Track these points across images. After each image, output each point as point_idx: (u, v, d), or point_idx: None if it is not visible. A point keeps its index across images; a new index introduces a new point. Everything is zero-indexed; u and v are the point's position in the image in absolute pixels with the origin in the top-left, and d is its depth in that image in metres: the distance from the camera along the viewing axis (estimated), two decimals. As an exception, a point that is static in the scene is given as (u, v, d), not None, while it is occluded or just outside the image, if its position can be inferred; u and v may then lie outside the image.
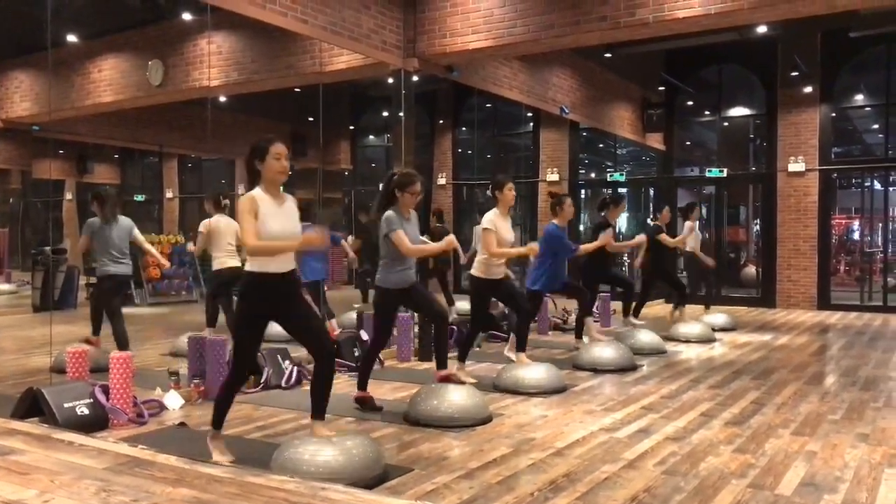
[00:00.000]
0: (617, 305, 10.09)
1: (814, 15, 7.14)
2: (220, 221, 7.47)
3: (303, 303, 3.99)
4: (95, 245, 6.48)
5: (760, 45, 12.69)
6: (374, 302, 5.27)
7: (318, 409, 3.95)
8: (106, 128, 13.36)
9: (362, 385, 5.22)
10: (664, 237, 9.03)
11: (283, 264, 3.82)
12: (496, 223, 5.97)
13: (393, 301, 5.13)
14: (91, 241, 6.49)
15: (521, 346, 6.20)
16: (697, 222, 10.21)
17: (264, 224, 3.72)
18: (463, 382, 5.30)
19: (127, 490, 2.85)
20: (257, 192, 3.81)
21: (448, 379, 5.11)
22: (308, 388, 5.67)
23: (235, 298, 4.01)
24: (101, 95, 10.66)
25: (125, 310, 6.97)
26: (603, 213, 8.49)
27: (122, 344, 6.28)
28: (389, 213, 4.96)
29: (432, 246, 5.42)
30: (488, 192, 6.27)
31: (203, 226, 7.57)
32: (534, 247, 6.27)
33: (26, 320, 10.74)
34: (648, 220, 9.46)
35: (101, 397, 4.64)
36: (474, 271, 6.10)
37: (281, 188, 3.90)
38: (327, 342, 3.98)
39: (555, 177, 15.26)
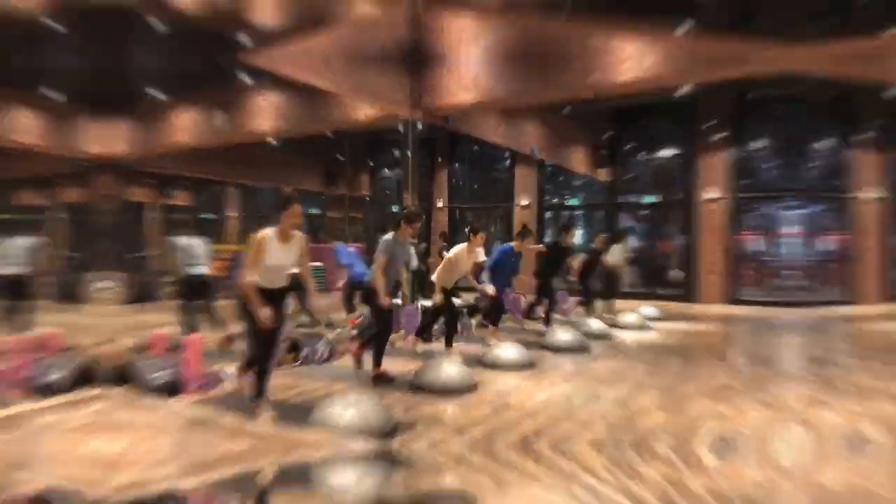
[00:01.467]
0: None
1: (722, 80, 7.20)
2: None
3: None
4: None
5: (684, 101, 12.74)
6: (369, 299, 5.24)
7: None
8: (186, 163, 13.32)
9: (377, 363, 5.20)
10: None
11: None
12: (459, 257, 6.20)
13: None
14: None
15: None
16: (622, 245, 10.22)
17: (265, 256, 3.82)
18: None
19: (196, 443, 2.85)
20: (269, 231, 3.91)
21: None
22: (337, 362, 5.66)
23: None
24: (180, 137, 10.65)
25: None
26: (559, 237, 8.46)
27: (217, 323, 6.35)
28: (386, 237, 5.07)
29: (380, 289, 5.08)
30: (466, 230, 6.45)
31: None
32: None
33: (116, 311, 10.68)
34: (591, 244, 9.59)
35: (179, 370, 4.62)
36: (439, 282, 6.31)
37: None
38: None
39: (526, 202, 15.29)
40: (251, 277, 3.84)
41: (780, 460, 3.23)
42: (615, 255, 9.78)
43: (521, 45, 7.33)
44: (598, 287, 9.82)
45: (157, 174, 14.75)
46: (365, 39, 7.34)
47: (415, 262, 8.66)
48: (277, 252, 3.91)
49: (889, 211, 12.52)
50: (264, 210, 13.76)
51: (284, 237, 3.94)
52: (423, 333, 6.69)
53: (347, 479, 2.78)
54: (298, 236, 4.01)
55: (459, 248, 6.31)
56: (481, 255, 6.94)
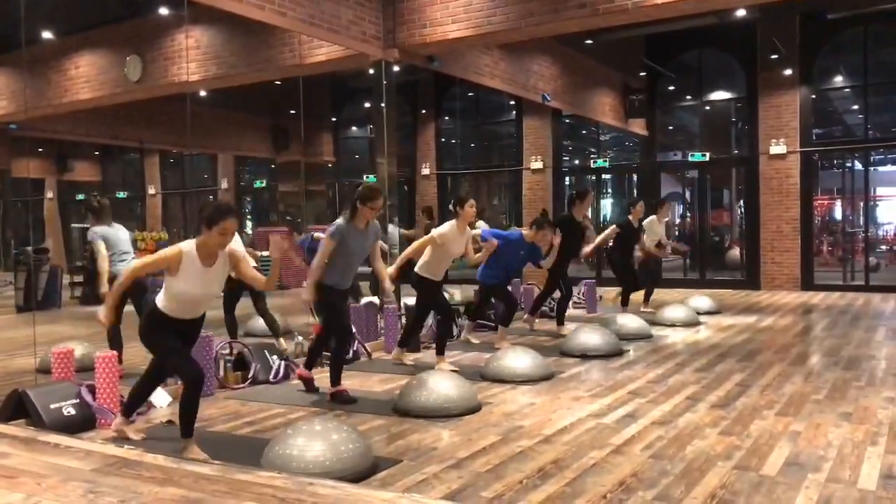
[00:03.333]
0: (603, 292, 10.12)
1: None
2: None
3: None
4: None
5: (739, 28, 12.74)
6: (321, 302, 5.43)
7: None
8: (85, 125, 13.22)
9: (334, 380, 5.32)
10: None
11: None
12: (447, 238, 6.23)
13: (332, 297, 5.32)
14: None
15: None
16: (666, 214, 10.29)
17: (178, 279, 3.91)
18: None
19: (114, 491, 2.85)
20: (190, 246, 3.94)
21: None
22: (295, 382, 5.70)
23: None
24: (78, 92, 10.54)
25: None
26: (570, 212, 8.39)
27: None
28: (337, 221, 5.23)
29: (312, 281, 5.27)
30: (450, 206, 6.48)
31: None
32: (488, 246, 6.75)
33: (9, 321, 10.64)
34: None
35: (88, 397, 4.62)
36: (420, 270, 6.33)
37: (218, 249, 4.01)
38: None
39: (538, 164, 15.28)
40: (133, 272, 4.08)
41: (860, 485, 3.27)
42: (654, 231, 9.81)
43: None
44: (638, 273, 9.87)
45: (52, 140, 14.63)
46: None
47: (394, 249, 8.65)
48: (197, 278, 3.95)
49: None
50: (192, 185, 13.66)
51: (206, 259, 3.96)
52: (408, 342, 6.71)
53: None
54: (224, 254, 4.06)
55: (447, 226, 6.33)
56: (480, 227, 6.99)
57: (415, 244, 6.50)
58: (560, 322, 8.33)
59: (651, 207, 10.12)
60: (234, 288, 6.70)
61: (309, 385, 5.52)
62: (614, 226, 9.24)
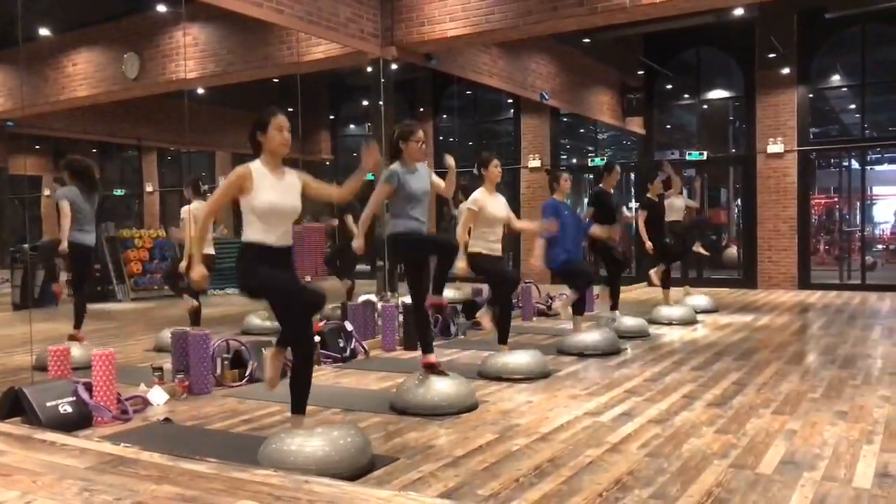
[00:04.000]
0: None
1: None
2: (199, 207, 7.39)
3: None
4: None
5: (737, 27, 12.73)
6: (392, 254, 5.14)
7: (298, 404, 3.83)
8: (82, 122, 13.20)
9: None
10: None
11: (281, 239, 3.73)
12: (482, 202, 5.86)
13: (406, 248, 4.97)
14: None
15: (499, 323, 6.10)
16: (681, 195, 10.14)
17: (258, 193, 3.60)
18: (445, 374, 4.97)
19: (110, 489, 2.84)
20: (256, 164, 3.70)
21: (432, 368, 4.97)
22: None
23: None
24: (75, 90, 10.52)
25: (109, 305, 6.91)
26: (600, 185, 8.09)
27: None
28: (392, 166, 4.92)
29: (361, 232, 5.09)
30: (474, 171, 6.20)
31: (184, 211, 7.51)
32: (546, 224, 6.37)
33: (6, 318, 10.62)
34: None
35: (84, 395, 4.61)
36: (472, 248, 5.89)
37: (281, 161, 3.81)
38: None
39: (536, 163, 15.28)
40: (205, 217, 3.89)
41: (855, 482, 3.27)
42: (688, 203, 9.79)
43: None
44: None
45: (49, 138, 14.60)
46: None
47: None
48: (276, 188, 3.68)
49: None
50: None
51: (275, 168, 3.75)
52: (503, 321, 6.14)
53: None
54: (290, 170, 3.85)
55: (477, 192, 5.96)
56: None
57: (460, 227, 6.04)
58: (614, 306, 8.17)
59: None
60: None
61: (433, 369, 4.96)
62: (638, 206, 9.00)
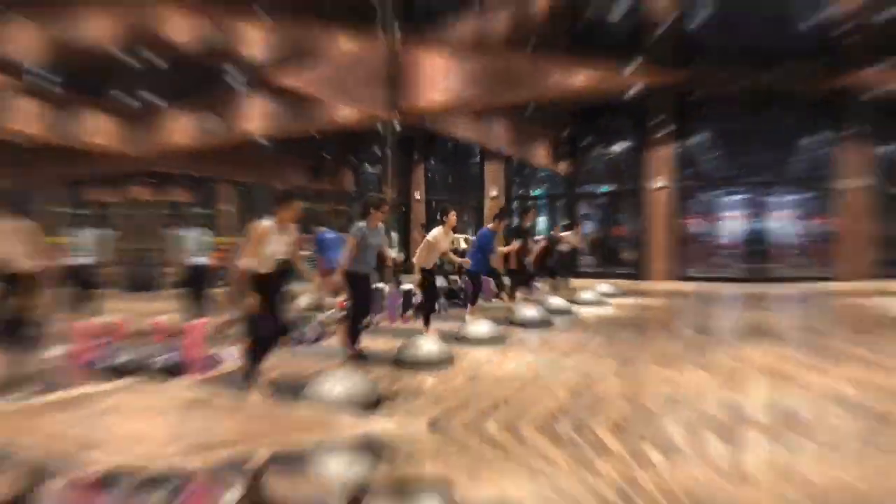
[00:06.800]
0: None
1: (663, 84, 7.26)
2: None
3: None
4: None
5: (635, 102, 12.81)
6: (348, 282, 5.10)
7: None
8: (178, 162, 13.00)
9: (353, 342, 5.07)
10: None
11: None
12: (437, 238, 6.12)
13: (356, 280, 5.00)
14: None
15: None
16: (580, 231, 10.36)
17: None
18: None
19: (194, 421, 2.82)
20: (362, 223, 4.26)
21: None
22: (326, 343, 5.63)
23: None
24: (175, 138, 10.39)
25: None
26: (518, 222, 8.32)
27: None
28: (359, 223, 4.94)
29: (341, 269, 4.98)
30: (438, 215, 6.36)
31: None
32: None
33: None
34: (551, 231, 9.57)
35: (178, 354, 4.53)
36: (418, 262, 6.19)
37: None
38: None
39: (494, 192, 15.32)
40: (249, 264, 3.90)
41: (711, 412, 3.32)
42: (571, 239, 9.92)
43: (488, 75, 7.31)
44: (557, 268, 9.90)
45: (161, 174, 14.27)
46: (346, 75, 7.27)
47: (394, 250, 8.56)
48: (275, 241, 3.99)
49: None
50: (257, 205, 13.49)
51: (282, 228, 4.04)
52: (427, 309, 6.32)
53: (337, 464, 2.77)
54: (292, 227, 4.10)
55: (437, 230, 6.25)
56: (462, 243, 6.82)
57: (419, 250, 6.22)
58: (512, 297, 8.18)
59: (571, 225, 10.13)
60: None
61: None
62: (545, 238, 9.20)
